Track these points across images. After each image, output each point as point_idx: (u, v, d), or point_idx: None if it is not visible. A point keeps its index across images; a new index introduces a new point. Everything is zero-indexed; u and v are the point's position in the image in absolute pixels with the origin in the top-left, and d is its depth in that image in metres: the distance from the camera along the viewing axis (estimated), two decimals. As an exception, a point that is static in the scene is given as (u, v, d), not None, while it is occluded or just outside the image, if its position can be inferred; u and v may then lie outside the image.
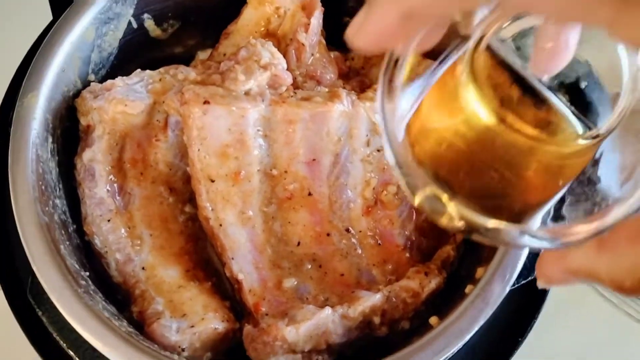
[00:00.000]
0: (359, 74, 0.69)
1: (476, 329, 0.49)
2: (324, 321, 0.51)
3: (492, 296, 0.50)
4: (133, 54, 0.65)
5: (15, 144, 0.51)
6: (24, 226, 0.49)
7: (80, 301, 0.48)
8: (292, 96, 0.55)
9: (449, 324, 0.50)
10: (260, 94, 0.55)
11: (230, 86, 0.54)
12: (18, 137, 0.51)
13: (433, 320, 0.52)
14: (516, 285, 0.54)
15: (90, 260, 0.57)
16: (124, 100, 0.53)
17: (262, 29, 0.64)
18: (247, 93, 0.55)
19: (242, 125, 0.54)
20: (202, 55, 0.70)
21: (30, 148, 0.51)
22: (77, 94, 0.58)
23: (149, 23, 0.64)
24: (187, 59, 0.69)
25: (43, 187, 0.52)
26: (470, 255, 0.60)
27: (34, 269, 0.48)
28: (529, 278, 0.54)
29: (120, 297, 0.57)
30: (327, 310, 0.51)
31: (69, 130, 0.58)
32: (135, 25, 0.62)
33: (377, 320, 0.54)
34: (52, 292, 0.48)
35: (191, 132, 0.53)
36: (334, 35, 0.67)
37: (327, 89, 0.57)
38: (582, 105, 0.30)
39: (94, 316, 0.47)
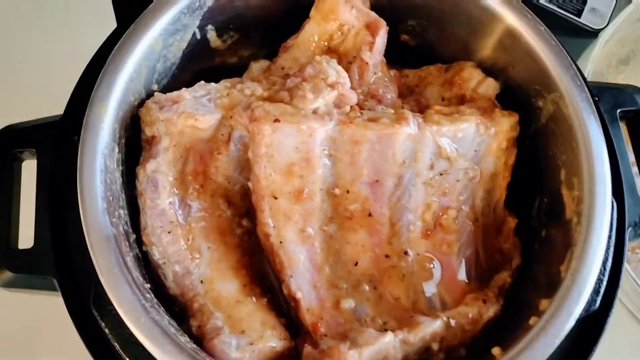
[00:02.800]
0: (413, 92, 0.69)
1: (540, 361, 0.49)
2: (386, 346, 0.51)
3: (558, 330, 0.50)
4: (191, 63, 0.64)
5: (84, 154, 0.51)
6: (92, 238, 0.49)
7: (148, 316, 0.48)
8: (359, 116, 0.55)
9: (513, 356, 0.49)
10: (328, 113, 0.54)
11: (298, 104, 0.54)
12: (87, 147, 0.51)
13: (495, 351, 0.51)
14: (580, 317, 0.53)
15: (149, 272, 0.57)
16: (195, 114, 0.53)
17: (324, 44, 0.63)
18: (314, 111, 0.55)
19: (310, 144, 0.53)
20: (255, 65, 0.70)
21: (99, 158, 0.51)
22: (142, 103, 0.58)
23: (212, 34, 0.64)
24: (240, 69, 0.69)
25: (110, 198, 0.51)
26: (527, 282, 0.59)
27: (102, 281, 0.48)
28: (592, 310, 0.54)
29: (177, 310, 0.57)
30: (390, 336, 0.51)
31: (131, 139, 0.58)
32: (198, 36, 0.62)
33: (435, 346, 0.54)
34: (121, 305, 0.48)
35: (259, 149, 0.53)
36: (390, 52, 0.67)
37: (392, 110, 0.57)
38: None
39: (162, 332, 0.47)
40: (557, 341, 0.49)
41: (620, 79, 0.98)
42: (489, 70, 0.65)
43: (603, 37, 0.87)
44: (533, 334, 0.50)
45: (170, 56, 0.60)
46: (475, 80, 0.64)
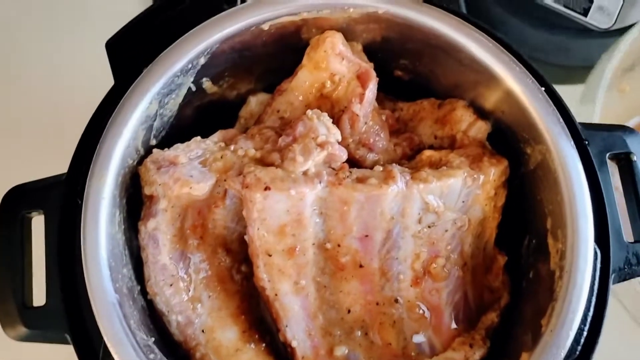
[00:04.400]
0: (407, 127, 0.70)
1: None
2: (375, 396, 0.55)
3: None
4: (189, 108, 0.66)
5: (87, 227, 0.54)
6: (98, 305, 0.53)
7: (151, 380, 0.52)
8: (347, 176, 0.57)
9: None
10: (317, 175, 0.56)
11: (288, 167, 0.56)
12: (89, 220, 0.54)
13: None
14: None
15: (153, 318, 0.61)
16: (189, 182, 0.56)
17: (316, 91, 0.65)
18: (304, 173, 0.57)
19: (300, 207, 0.56)
20: (253, 99, 0.71)
21: (102, 229, 0.54)
22: (140, 161, 0.60)
23: (207, 84, 0.65)
24: (238, 104, 0.71)
25: (113, 264, 0.55)
26: (515, 320, 0.62)
27: (108, 345, 0.52)
28: (572, 358, 0.56)
29: (181, 353, 0.61)
30: (378, 386, 0.55)
31: (132, 196, 0.61)
32: (194, 89, 0.64)
33: (422, 391, 0.57)
34: (126, 369, 0.52)
35: (252, 214, 0.55)
36: (385, 85, 0.68)
37: (381, 168, 0.58)
38: None
39: (165, 395, 0.51)
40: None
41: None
42: (481, 109, 0.66)
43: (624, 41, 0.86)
44: (513, 389, 0.53)
45: (166, 112, 0.62)
46: (466, 123, 0.65)
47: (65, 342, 0.58)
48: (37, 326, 0.58)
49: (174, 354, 0.60)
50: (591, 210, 0.56)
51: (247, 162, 0.58)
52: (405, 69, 0.70)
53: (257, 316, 0.63)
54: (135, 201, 0.61)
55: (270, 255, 0.58)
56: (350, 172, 0.58)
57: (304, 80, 0.65)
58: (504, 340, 0.62)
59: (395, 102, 0.72)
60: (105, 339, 0.52)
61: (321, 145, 0.57)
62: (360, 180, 0.57)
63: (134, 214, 0.61)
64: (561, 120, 0.58)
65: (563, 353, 0.53)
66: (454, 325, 0.61)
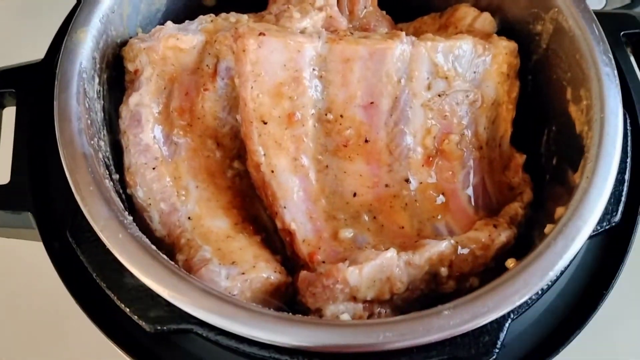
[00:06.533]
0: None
1: (558, 269, 0.44)
2: (389, 263, 0.46)
3: (575, 233, 0.45)
4: (180, 17, 0.63)
5: (62, 75, 0.49)
6: (67, 155, 0.46)
7: (126, 232, 0.44)
8: (349, 35, 0.53)
9: (527, 264, 0.44)
10: (317, 33, 0.52)
11: (285, 24, 0.52)
12: (65, 69, 0.49)
13: (509, 262, 0.47)
14: (599, 230, 0.49)
15: (133, 216, 0.53)
16: (176, 35, 0.51)
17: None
18: (302, 32, 0.52)
19: (298, 62, 0.51)
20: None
21: (77, 80, 0.49)
22: (125, 43, 0.56)
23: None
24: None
25: (89, 122, 0.49)
26: (540, 218, 0.55)
27: (77, 198, 0.45)
28: (613, 222, 0.49)
29: (164, 252, 0.52)
30: (392, 252, 0.47)
31: (115, 81, 0.56)
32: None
33: (444, 272, 0.49)
34: (97, 222, 0.44)
35: (245, 67, 0.50)
36: (383, 7, 0.65)
37: (385, 30, 0.54)
38: None
39: (142, 248, 0.43)
40: (576, 245, 0.44)
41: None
42: (484, 9, 0.63)
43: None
44: (549, 239, 0.45)
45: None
46: (470, 17, 0.62)
47: (28, 226, 0.51)
48: (-3, 206, 0.51)
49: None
50: (611, 55, 0.51)
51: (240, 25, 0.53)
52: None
53: (252, 214, 0.56)
54: (117, 97, 0.56)
55: (265, 123, 0.52)
56: (352, 33, 0.54)
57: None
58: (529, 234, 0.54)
59: (395, 24, 0.69)
60: (74, 192, 0.45)
61: (319, 9, 0.54)
62: (364, 38, 0.53)
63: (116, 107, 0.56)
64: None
65: (603, 201, 0.46)
66: (473, 209, 0.54)
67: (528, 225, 0.55)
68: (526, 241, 0.54)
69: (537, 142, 0.60)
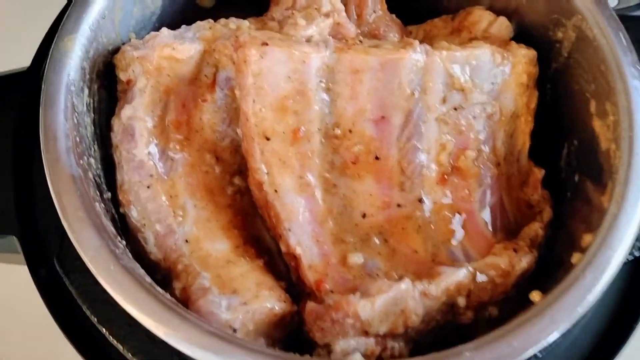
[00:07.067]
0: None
1: (587, 304, 0.41)
2: (403, 295, 0.43)
3: (605, 264, 0.42)
4: (176, 21, 0.59)
5: (48, 88, 0.45)
6: (54, 177, 0.42)
7: (119, 263, 0.40)
8: (358, 44, 0.49)
9: (554, 298, 0.41)
10: (324, 41, 0.48)
11: (289, 31, 0.48)
12: (51, 82, 0.45)
13: (535, 295, 0.43)
14: (628, 260, 0.45)
15: (127, 238, 0.49)
16: (172, 44, 0.47)
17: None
18: (308, 41, 0.48)
19: (304, 73, 0.47)
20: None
21: (65, 94, 0.45)
22: (117, 50, 0.52)
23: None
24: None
25: (78, 139, 0.45)
26: (562, 238, 0.52)
27: (65, 225, 0.41)
28: (642, 251, 0.46)
29: (159, 277, 0.49)
30: (407, 283, 0.43)
31: (107, 91, 0.52)
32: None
33: (462, 302, 0.46)
34: (86, 252, 0.40)
35: (246, 79, 0.46)
36: (392, 9, 0.61)
37: (397, 38, 0.51)
38: None
39: (135, 281, 0.40)
40: (606, 278, 0.41)
41: None
42: (499, 13, 0.59)
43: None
44: (577, 271, 0.41)
45: (148, 3, 0.55)
46: (486, 21, 0.58)
47: (13, 251, 0.47)
48: (-21, 230, 0.47)
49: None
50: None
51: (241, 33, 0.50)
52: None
53: (254, 235, 0.52)
54: (109, 109, 0.52)
55: (268, 139, 0.48)
56: (362, 41, 0.50)
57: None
58: (551, 258, 0.51)
59: (404, 27, 0.65)
60: (61, 217, 0.41)
61: (326, 15, 0.50)
62: (374, 47, 0.49)
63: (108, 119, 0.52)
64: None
65: (634, 226, 0.43)
66: (491, 231, 0.51)
67: (547, 245, 0.52)
68: (544, 261, 0.51)
69: (557, 155, 0.56)
